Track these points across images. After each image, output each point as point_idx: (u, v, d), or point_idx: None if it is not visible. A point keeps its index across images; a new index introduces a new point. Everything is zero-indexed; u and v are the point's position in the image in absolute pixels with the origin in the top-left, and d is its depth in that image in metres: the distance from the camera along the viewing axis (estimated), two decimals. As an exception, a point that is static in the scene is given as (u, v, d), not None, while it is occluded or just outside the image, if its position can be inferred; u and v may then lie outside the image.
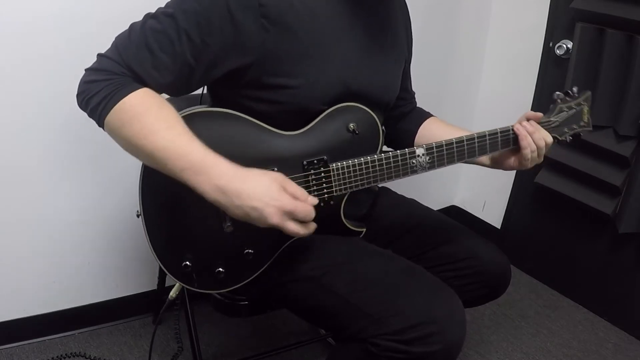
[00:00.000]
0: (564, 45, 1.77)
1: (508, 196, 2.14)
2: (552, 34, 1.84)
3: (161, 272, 1.58)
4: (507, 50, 2.07)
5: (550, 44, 1.84)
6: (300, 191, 0.87)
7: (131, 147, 0.88)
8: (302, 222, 0.86)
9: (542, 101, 1.93)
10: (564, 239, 1.96)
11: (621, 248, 1.78)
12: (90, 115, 0.90)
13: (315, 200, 0.88)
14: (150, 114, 0.85)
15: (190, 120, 0.90)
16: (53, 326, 1.60)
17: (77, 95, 0.90)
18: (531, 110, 1.91)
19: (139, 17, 0.92)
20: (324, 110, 0.99)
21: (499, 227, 2.22)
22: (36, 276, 1.53)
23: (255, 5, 0.87)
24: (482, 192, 2.25)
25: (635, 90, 1.57)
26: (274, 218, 0.83)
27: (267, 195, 0.83)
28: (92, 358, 1.54)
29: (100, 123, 0.89)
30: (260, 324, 1.74)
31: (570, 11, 1.71)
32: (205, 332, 1.65)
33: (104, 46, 0.93)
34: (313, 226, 0.88)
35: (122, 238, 1.63)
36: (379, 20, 1.06)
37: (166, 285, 1.61)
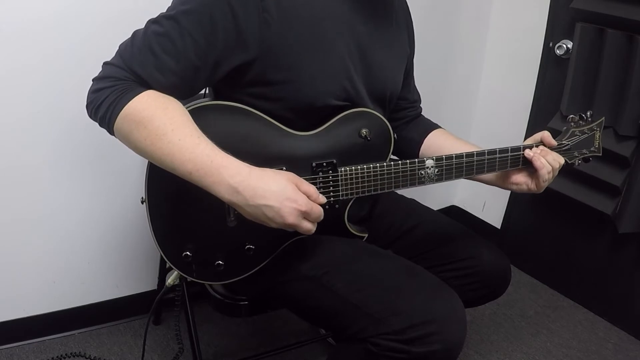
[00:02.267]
0: (564, 45, 1.77)
1: (508, 196, 2.13)
2: (552, 34, 1.84)
3: (161, 271, 1.58)
4: (507, 50, 2.07)
5: (550, 44, 1.84)
6: (312, 189, 0.88)
7: (141, 153, 0.89)
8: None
9: (542, 101, 1.93)
10: (564, 239, 1.96)
11: (621, 248, 1.78)
12: (101, 125, 0.89)
13: (324, 199, 0.90)
14: (155, 118, 0.85)
15: (201, 113, 0.91)
16: (53, 326, 1.60)
17: (87, 107, 0.89)
18: (531, 110, 1.96)
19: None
20: (330, 107, 0.98)
21: (499, 227, 2.22)
22: (36, 276, 1.53)
23: (257, 0, 0.87)
24: (482, 192, 2.25)
25: (635, 90, 1.57)
26: (290, 218, 0.84)
27: (283, 194, 0.84)
28: (92, 358, 1.54)
29: (111, 131, 0.89)
30: (260, 324, 1.74)
31: (570, 11, 1.71)
32: (205, 332, 1.65)
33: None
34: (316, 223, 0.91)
35: (123, 238, 1.63)
36: (379, 14, 1.06)
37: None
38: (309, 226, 0.87)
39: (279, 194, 0.84)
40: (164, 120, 0.84)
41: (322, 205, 0.89)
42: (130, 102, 0.85)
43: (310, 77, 0.94)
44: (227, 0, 0.86)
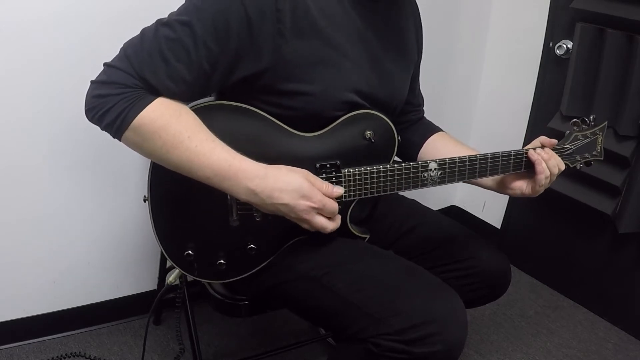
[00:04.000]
0: (564, 45, 1.77)
1: (508, 196, 2.13)
2: (552, 34, 1.84)
3: (161, 271, 1.58)
4: (507, 50, 2.07)
5: (550, 44, 1.84)
6: (326, 186, 0.91)
7: (156, 159, 0.90)
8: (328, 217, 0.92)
9: (542, 101, 1.93)
10: (564, 239, 1.96)
11: (621, 248, 1.78)
12: (104, 130, 0.88)
13: (340, 191, 0.94)
14: (170, 126, 0.85)
15: (206, 113, 0.91)
16: (53, 326, 1.60)
17: (88, 111, 0.87)
18: (531, 110, 1.96)
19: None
20: (336, 115, 0.98)
21: (499, 227, 2.22)
22: (36, 276, 1.53)
23: (273, 10, 0.86)
24: (482, 192, 2.22)
25: (635, 90, 1.57)
26: (304, 214, 0.89)
27: (297, 193, 0.88)
28: (92, 358, 1.54)
29: (117, 138, 0.87)
30: (260, 324, 1.74)
31: (570, 11, 1.71)
32: (205, 332, 1.65)
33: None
34: (339, 219, 0.94)
35: (123, 238, 1.63)
36: (391, 25, 1.06)
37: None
38: (323, 222, 0.91)
39: (294, 193, 0.88)
40: (179, 128, 0.85)
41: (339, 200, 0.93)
42: (143, 111, 0.84)
43: (321, 90, 0.94)
44: (244, 9, 0.84)
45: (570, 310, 1.91)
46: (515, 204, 2.13)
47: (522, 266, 2.12)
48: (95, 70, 0.88)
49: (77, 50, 1.34)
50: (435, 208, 1.29)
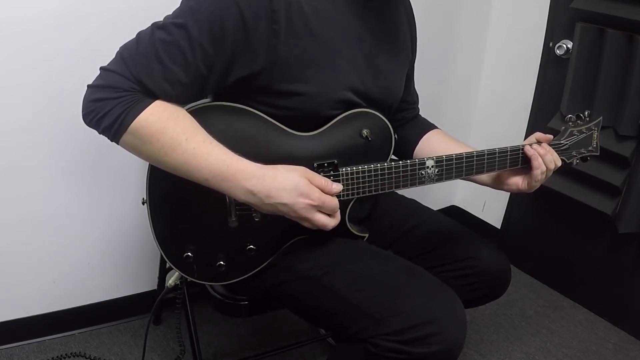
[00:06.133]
0: (564, 45, 1.77)
1: (508, 196, 2.14)
2: (552, 34, 1.84)
3: (161, 272, 1.58)
4: (507, 50, 2.07)
5: (550, 44, 1.84)
6: (324, 182, 0.91)
7: (154, 162, 0.90)
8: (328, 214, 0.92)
9: (542, 101, 1.93)
10: (564, 239, 1.96)
11: (621, 248, 1.78)
12: (102, 134, 0.88)
13: (339, 188, 0.92)
14: (167, 129, 0.85)
15: (203, 114, 0.91)
16: (53, 326, 1.60)
17: (85, 115, 0.87)
18: (531, 110, 1.96)
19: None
20: (332, 115, 0.98)
21: (499, 227, 2.22)
22: (36, 276, 1.53)
23: (268, 11, 0.86)
24: (482, 192, 2.25)
25: (635, 90, 1.57)
26: (303, 212, 0.88)
27: (295, 191, 0.87)
28: (92, 358, 1.54)
29: (115, 141, 0.88)
30: (260, 324, 1.74)
31: (570, 11, 1.71)
32: (205, 332, 1.65)
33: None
34: (339, 215, 0.93)
35: (123, 238, 1.63)
36: (385, 23, 1.06)
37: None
38: (323, 219, 0.90)
39: (292, 192, 0.87)
40: (177, 131, 0.85)
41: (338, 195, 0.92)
42: (140, 115, 0.84)
43: (317, 89, 0.94)
44: (239, 10, 0.84)
45: (570, 310, 1.91)
46: (516, 204, 2.13)
47: (522, 266, 2.12)
48: (95, 71, 0.88)
49: (77, 50, 1.34)
50: (435, 208, 1.29)
